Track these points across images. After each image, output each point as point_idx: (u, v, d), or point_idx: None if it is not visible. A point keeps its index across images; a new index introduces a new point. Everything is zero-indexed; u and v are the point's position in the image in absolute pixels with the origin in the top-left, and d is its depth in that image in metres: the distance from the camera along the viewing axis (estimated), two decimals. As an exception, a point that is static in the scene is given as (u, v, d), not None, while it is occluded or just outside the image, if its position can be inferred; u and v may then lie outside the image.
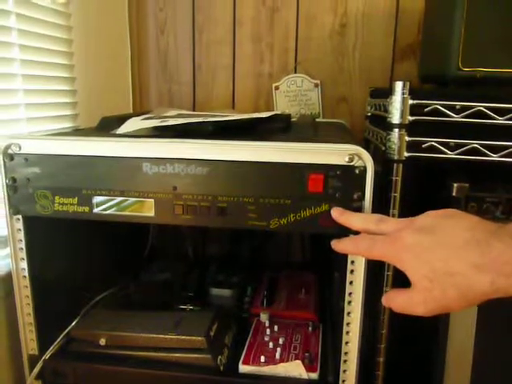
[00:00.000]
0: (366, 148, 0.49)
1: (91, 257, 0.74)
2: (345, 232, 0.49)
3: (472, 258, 0.35)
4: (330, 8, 0.94)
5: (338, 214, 0.48)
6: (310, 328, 0.68)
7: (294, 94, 0.97)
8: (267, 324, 0.69)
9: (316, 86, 0.96)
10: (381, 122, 0.66)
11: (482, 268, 0.34)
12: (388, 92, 0.59)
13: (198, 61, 1.01)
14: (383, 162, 0.61)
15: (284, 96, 0.98)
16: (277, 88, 0.98)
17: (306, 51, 0.96)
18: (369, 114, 0.85)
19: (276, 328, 0.68)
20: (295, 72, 0.97)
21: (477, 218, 0.38)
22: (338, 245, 0.46)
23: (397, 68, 0.95)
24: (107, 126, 0.65)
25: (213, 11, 0.97)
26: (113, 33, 0.94)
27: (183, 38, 1.00)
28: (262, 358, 0.60)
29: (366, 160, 0.48)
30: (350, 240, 0.46)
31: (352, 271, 0.52)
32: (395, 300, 0.41)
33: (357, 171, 0.49)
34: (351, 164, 0.49)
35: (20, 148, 0.55)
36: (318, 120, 0.92)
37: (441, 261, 0.37)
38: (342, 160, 0.49)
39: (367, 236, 0.44)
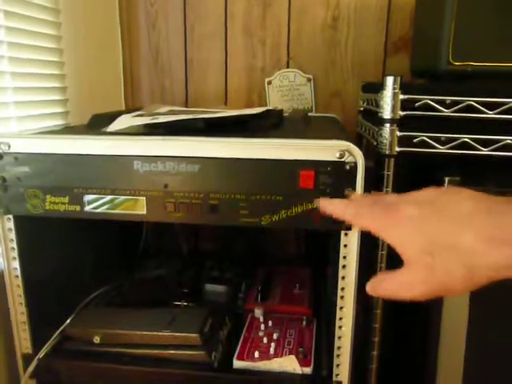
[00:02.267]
0: (359, 143, 0.49)
1: (84, 255, 0.74)
2: (337, 227, 0.50)
3: (482, 228, 0.29)
4: (321, 1, 0.93)
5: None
6: (304, 323, 0.68)
7: (287, 89, 0.97)
8: (261, 319, 0.69)
9: (308, 80, 0.96)
10: (373, 116, 0.66)
11: (494, 240, 0.29)
12: (379, 86, 0.59)
13: (190, 56, 1.00)
14: (375, 156, 0.61)
15: (277, 91, 0.97)
16: (269, 83, 0.97)
17: (299, 45, 0.96)
18: (361, 108, 0.85)
19: (270, 323, 0.68)
20: (288, 67, 0.97)
21: (478, 192, 0.32)
22: (324, 202, 0.41)
23: (389, 62, 0.94)
24: (98, 124, 0.64)
25: (204, 6, 0.97)
26: (103, 29, 0.93)
27: (175, 33, 0.99)
28: (257, 354, 0.60)
29: (357, 156, 0.48)
30: (341, 203, 0.40)
31: (344, 266, 0.53)
32: (383, 284, 0.35)
33: (347, 167, 0.49)
34: (342, 160, 0.49)
35: (9, 147, 0.54)
36: (310, 115, 0.92)
37: (444, 232, 0.31)
38: (332, 156, 0.49)
39: (357, 202, 0.40)
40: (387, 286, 0.35)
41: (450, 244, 0.30)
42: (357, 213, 0.37)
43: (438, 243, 0.31)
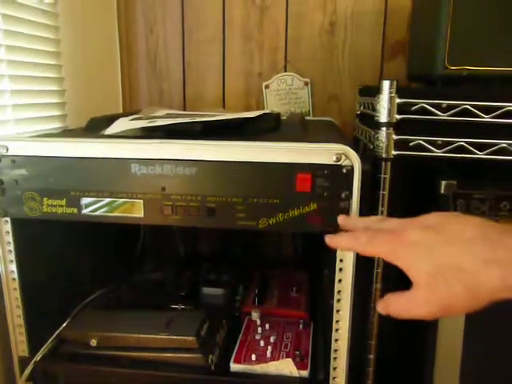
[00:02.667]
0: (356, 146, 0.50)
1: (82, 258, 0.74)
2: (333, 231, 0.50)
3: (482, 252, 0.33)
4: (319, 6, 0.94)
5: (343, 220, 0.47)
6: (301, 326, 0.68)
7: (285, 93, 0.97)
8: (258, 322, 0.69)
9: (306, 84, 0.96)
10: (370, 120, 0.66)
11: (492, 263, 0.32)
12: (376, 90, 0.60)
13: (188, 60, 1.00)
14: (372, 160, 0.61)
15: (274, 95, 0.98)
16: (267, 87, 0.98)
17: (296, 50, 0.96)
18: (358, 112, 0.85)
19: (267, 326, 0.68)
20: (285, 70, 0.97)
21: (483, 218, 0.36)
22: (334, 240, 0.43)
23: (386, 66, 0.95)
24: (96, 127, 0.64)
25: (202, 10, 0.97)
26: (101, 32, 0.93)
27: (173, 37, 1.00)
28: (253, 357, 0.60)
29: (353, 159, 0.49)
30: (347, 235, 0.43)
31: (341, 269, 0.53)
32: (393, 303, 0.37)
33: (344, 170, 0.49)
34: (338, 163, 0.49)
35: (7, 150, 0.55)
36: (307, 118, 0.92)
37: (447, 256, 0.34)
38: (329, 159, 0.49)
39: (366, 231, 0.41)
40: (396, 306, 0.37)
41: (453, 267, 0.33)
42: (368, 242, 0.39)
43: (441, 266, 0.34)
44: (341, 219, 0.47)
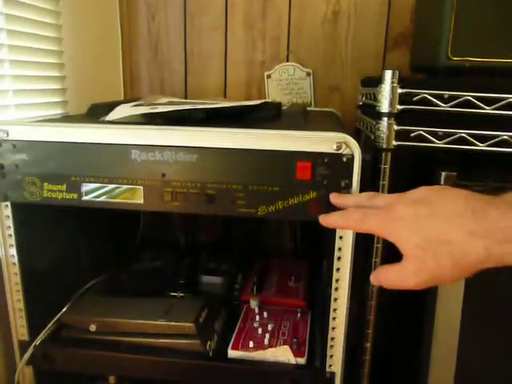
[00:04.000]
0: (357, 137, 0.50)
1: (82, 243, 0.75)
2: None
3: (467, 225, 0.34)
4: (322, -5, 0.93)
5: (335, 197, 0.48)
6: (299, 315, 0.69)
7: (286, 83, 0.97)
8: (257, 310, 0.70)
9: (308, 74, 0.96)
10: (371, 111, 0.66)
11: (476, 234, 0.33)
12: (378, 81, 0.59)
13: (190, 48, 1.00)
14: (373, 151, 0.61)
15: (276, 84, 0.97)
16: (269, 76, 0.97)
17: (299, 39, 0.96)
18: (360, 103, 0.85)
19: (265, 314, 0.68)
20: (287, 60, 0.97)
21: (470, 191, 0.37)
22: (326, 218, 0.45)
23: (389, 57, 0.94)
24: (96, 113, 0.64)
25: (205, -3, 0.96)
26: (103, 18, 0.93)
27: (175, 24, 0.99)
28: (251, 344, 0.60)
29: (354, 148, 0.49)
30: (340, 213, 0.44)
31: (339, 258, 0.53)
32: (385, 275, 0.40)
33: (344, 159, 0.49)
34: (339, 152, 0.49)
35: (8, 134, 0.55)
36: (309, 109, 0.92)
37: (434, 229, 0.36)
38: (329, 148, 0.49)
39: (357, 209, 0.43)
40: (387, 276, 0.40)
41: (440, 239, 0.35)
42: (360, 220, 0.41)
43: (429, 239, 0.36)
44: (333, 197, 0.49)
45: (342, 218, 0.43)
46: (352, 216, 0.42)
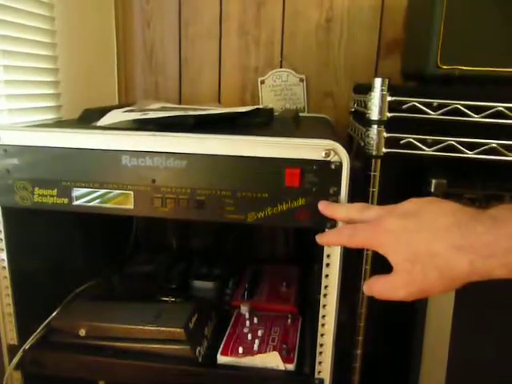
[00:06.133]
0: (350, 144, 0.50)
1: (73, 248, 0.75)
2: (321, 226, 0.50)
3: (453, 239, 0.35)
4: (315, 2, 0.94)
5: (324, 207, 0.49)
6: (290, 320, 0.69)
7: (280, 89, 0.98)
8: (247, 316, 0.70)
9: (301, 80, 0.96)
10: (362, 117, 0.66)
11: (461, 249, 0.35)
12: (368, 88, 0.60)
13: (184, 54, 1.00)
14: (364, 157, 0.62)
15: (270, 90, 0.98)
16: (262, 82, 0.98)
17: (292, 45, 0.96)
18: (352, 109, 0.85)
19: (256, 320, 0.69)
20: (281, 66, 0.97)
21: (458, 204, 0.38)
22: (322, 238, 0.46)
23: (382, 64, 0.95)
24: (89, 118, 0.65)
25: (199, 5, 0.97)
26: (98, 24, 0.93)
27: (169, 31, 1.00)
28: (240, 350, 0.60)
29: (342, 155, 0.49)
30: (333, 231, 0.47)
31: (328, 264, 0.53)
32: (376, 286, 0.41)
33: (333, 166, 0.49)
34: (327, 159, 0.49)
35: (-1, 139, 0.55)
36: (301, 115, 0.92)
37: (422, 243, 0.37)
38: (318, 155, 0.49)
39: (349, 225, 0.44)
40: (379, 288, 0.41)
41: (427, 253, 0.36)
42: (351, 235, 0.42)
43: (417, 252, 0.37)
44: (322, 207, 0.49)
45: (335, 235, 0.46)
46: (343, 232, 0.44)
